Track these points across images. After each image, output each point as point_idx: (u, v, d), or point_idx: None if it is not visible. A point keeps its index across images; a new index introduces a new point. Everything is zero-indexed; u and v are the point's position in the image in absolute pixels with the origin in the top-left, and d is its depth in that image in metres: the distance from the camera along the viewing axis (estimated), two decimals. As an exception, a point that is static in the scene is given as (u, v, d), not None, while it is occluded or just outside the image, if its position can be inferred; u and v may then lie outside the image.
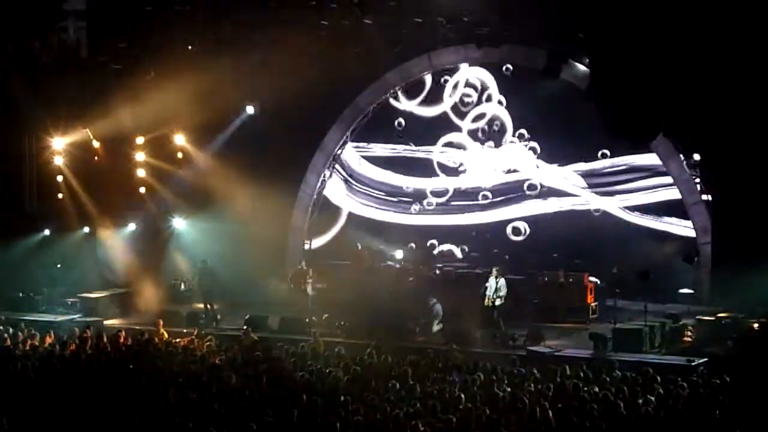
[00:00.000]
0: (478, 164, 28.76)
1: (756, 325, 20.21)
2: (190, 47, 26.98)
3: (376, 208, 29.96)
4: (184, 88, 25.76)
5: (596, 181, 27.38)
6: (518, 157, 28.18)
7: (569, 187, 27.70)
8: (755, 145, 22.02)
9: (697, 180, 25.15)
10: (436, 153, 29.09)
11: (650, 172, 26.65)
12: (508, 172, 28.40)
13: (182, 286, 28.21)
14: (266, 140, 27.88)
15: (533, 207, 28.12)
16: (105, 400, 14.69)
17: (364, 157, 30.05)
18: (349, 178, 30.17)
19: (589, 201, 27.37)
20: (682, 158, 25.19)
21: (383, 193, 29.91)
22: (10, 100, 27.13)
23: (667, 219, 26.32)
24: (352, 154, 30.05)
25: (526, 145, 27.93)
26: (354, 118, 28.84)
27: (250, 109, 28.05)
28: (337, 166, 29.89)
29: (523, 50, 25.84)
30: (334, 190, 30.09)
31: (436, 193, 29.29)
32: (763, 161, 22.05)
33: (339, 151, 29.49)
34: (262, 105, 27.74)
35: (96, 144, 28.65)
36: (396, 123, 29.08)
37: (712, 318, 21.25)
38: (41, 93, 27.06)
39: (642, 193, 26.82)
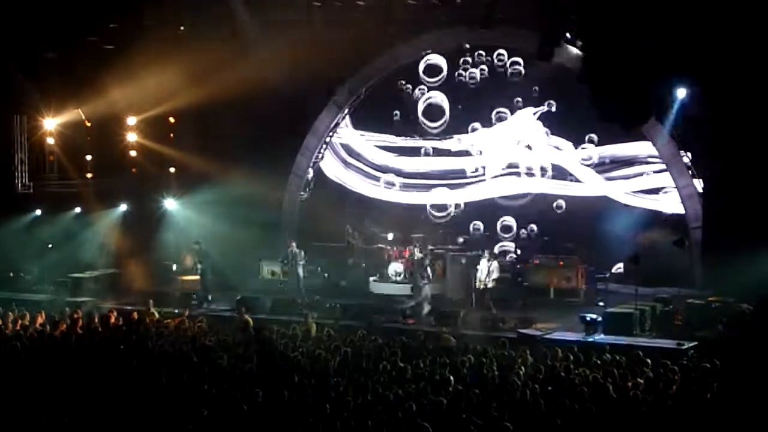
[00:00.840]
0: (489, 143, 28.40)
1: (746, 309, 20.27)
2: (182, 28, 26.91)
3: (372, 184, 29.81)
4: (176, 69, 25.69)
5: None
6: (530, 133, 27.79)
7: (573, 169, 27.46)
8: (746, 129, 22.02)
9: (689, 164, 25.16)
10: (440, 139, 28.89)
11: (634, 161, 26.61)
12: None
13: (173, 267, 28.18)
14: (259, 122, 27.77)
15: (529, 188, 27.92)
16: (95, 381, 14.68)
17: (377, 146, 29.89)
18: (348, 157, 30.03)
19: (584, 184, 27.32)
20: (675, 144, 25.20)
21: (378, 171, 29.73)
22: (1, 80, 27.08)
23: (658, 196, 26.27)
24: (353, 135, 29.94)
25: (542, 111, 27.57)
26: (346, 100, 28.74)
27: None
28: (334, 146, 29.81)
29: (517, 33, 25.76)
30: (330, 166, 29.97)
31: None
32: (754, 145, 22.06)
33: (331, 134, 29.40)
34: (258, 87, 27.47)
35: (88, 124, 28.57)
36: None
37: (703, 302, 21.29)
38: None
39: (628, 180, 26.73)
